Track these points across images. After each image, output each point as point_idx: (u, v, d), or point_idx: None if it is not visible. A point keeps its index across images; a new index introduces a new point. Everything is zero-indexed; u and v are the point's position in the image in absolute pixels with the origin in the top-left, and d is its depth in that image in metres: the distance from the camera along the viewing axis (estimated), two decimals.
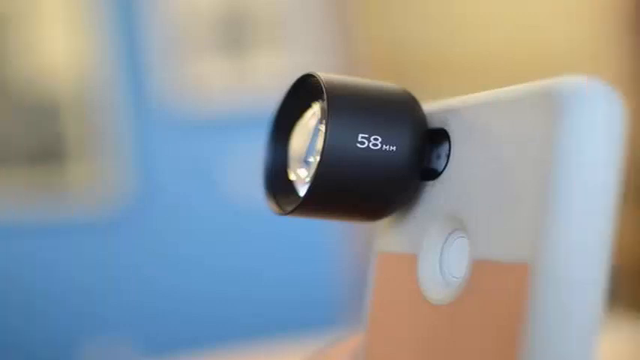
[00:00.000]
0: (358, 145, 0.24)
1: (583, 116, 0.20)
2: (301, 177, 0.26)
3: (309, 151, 0.26)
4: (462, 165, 0.24)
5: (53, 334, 1.84)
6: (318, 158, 0.24)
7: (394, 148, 0.24)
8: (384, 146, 0.24)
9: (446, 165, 0.24)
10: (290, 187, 0.27)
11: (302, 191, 0.26)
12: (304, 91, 0.26)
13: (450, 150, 0.24)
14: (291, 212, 0.25)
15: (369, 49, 2.09)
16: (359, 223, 0.26)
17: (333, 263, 1.96)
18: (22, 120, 1.84)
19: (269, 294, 1.89)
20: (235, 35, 1.91)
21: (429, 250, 0.24)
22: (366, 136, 0.24)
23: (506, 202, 0.21)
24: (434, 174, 0.25)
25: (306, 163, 0.26)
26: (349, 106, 0.24)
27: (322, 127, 0.24)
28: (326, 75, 0.25)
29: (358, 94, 0.24)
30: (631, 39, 2.12)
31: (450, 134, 0.24)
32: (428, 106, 0.25)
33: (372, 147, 0.24)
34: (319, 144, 0.24)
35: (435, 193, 0.25)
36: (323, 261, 1.95)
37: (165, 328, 1.87)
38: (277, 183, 0.27)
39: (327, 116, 0.24)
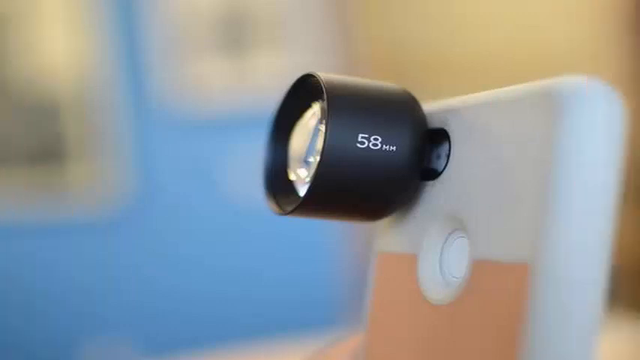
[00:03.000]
0: (358, 145, 0.24)
1: (583, 116, 0.20)
2: (301, 177, 0.26)
3: (309, 151, 0.26)
4: (462, 165, 0.24)
5: (53, 334, 1.84)
6: (318, 158, 0.24)
7: (394, 148, 0.24)
8: (384, 146, 0.24)
9: (446, 165, 0.24)
10: (290, 187, 0.27)
11: (302, 191, 0.26)
12: (304, 91, 0.26)
13: (450, 150, 0.24)
14: (291, 212, 0.25)
15: (369, 49, 2.09)
16: (359, 223, 0.26)
17: (333, 263, 1.96)
18: (22, 120, 1.84)
19: (269, 294, 1.89)
20: (235, 35, 1.91)
21: (429, 250, 0.24)
22: (366, 136, 0.24)
23: (506, 202, 0.21)
24: (434, 174, 0.25)
25: (306, 163, 0.26)
26: (349, 106, 0.24)
27: (322, 127, 0.24)
28: (326, 75, 0.25)
29: (358, 94, 0.24)
30: (631, 39, 2.12)
31: (450, 134, 0.24)
32: (428, 106, 0.25)
33: (372, 147, 0.24)
34: (319, 144, 0.24)
35: (435, 193, 0.25)
36: (323, 261, 1.95)
37: (165, 328, 1.87)
38: (277, 183, 0.27)
39: (327, 116, 0.24)
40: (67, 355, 1.84)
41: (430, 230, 0.24)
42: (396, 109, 0.24)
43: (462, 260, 0.23)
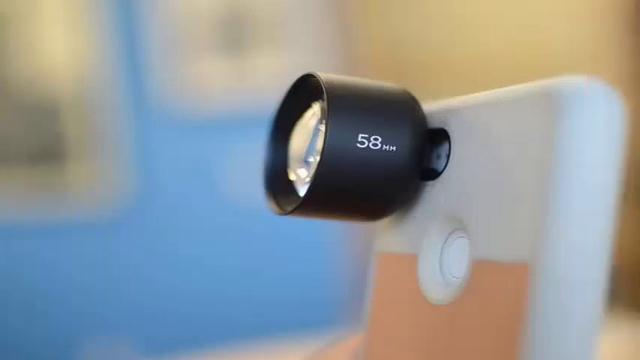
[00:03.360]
0: (358, 145, 0.24)
1: (583, 116, 0.20)
2: (301, 177, 0.26)
3: (309, 151, 0.26)
4: (462, 165, 0.24)
5: (53, 334, 1.84)
6: (318, 158, 0.24)
7: (394, 148, 0.24)
8: (384, 146, 0.24)
9: (446, 165, 0.24)
10: (290, 187, 0.27)
11: (302, 191, 0.26)
12: (304, 91, 0.26)
13: (450, 150, 0.24)
14: (291, 212, 0.25)
15: (369, 49, 2.09)
16: (359, 223, 0.26)
17: (333, 263, 1.96)
18: (22, 120, 1.84)
19: (269, 294, 1.89)
20: (235, 35, 1.91)
21: (429, 250, 0.24)
22: (366, 136, 0.24)
23: (506, 202, 0.21)
24: (434, 174, 0.25)
25: (306, 163, 0.26)
26: (349, 106, 0.24)
27: (322, 127, 0.24)
28: (326, 75, 0.25)
29: (358, 94, 0.24)
30: (631, 39, 2.12)
31: (450, 134, 0.24)
32: (428, 106, 0.25)
33: (372, 147, 0.24)
34: (319, 144, 0.24)
35: (435, 193, 0.25)
36: (323, 261, 1.95)
37: (165, 328, 1.87)
38: (277, 183, 0.27)
39: (327, 116, 0.24)
40: (67, 355, 1.84)
41: (430, 230, 0.24)
42: (396, 109, 0.24)
43: (462, 260, 0.23)
